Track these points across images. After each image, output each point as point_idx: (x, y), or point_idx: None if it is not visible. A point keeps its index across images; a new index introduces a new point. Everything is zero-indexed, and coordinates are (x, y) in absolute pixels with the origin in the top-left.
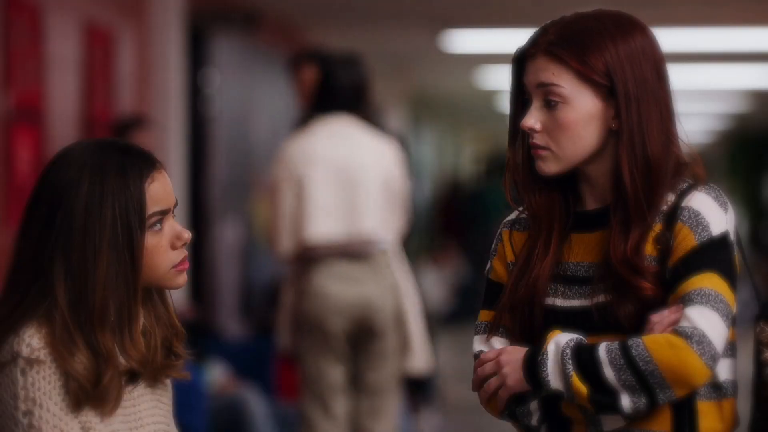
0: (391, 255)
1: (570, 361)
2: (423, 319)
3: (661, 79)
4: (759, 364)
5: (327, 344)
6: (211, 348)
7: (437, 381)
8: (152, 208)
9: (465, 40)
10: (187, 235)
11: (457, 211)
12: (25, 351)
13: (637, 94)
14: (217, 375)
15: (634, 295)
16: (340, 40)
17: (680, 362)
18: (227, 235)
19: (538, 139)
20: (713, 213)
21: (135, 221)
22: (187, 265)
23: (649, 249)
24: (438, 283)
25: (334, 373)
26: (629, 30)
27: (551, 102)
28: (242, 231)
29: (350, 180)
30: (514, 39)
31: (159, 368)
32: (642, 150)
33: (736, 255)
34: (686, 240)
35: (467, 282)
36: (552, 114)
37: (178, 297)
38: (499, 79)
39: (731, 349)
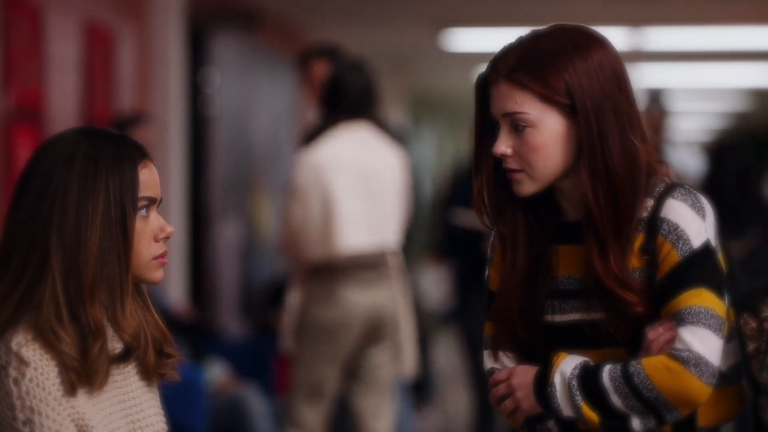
0: (394, 257)
1: (578, 393)
2: (413, 323)
3: (623, 90)
4: (744, 356)
5: (338, 351)
6: (210, 347)
7: (437, 380)
8: (143, 192)
9: (465, 39)
10: (170, 229)
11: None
12: (13, 359)
13: (596, 110)
14: (216, 374)
15: (624, 311)
16: (339, 38)
17: (681, 387)
18: (227, 235)
19: (511, 164)
20: (691, 223)
21: (128, 199)
22: (166, 260)
23: (634, 261)
24: (438, 281)
25: (335, 379)
26: (586, 46)
27: (519, 127)
28: (242, 230)
29: (374, 190)
30: (513, 38)
31: (151, 368)
32: (604, 165)
33: (719, 256)
34: (669, 256)
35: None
36: (521, 138)
37: (176, 295)
38: None
39: (731, 332)
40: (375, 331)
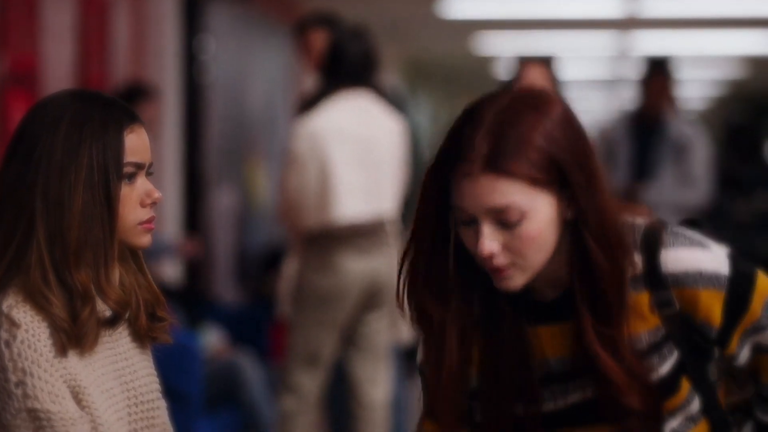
0: (392, 226)
1: None
2: None
3: (586, 137)
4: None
5: (335, 318)
6: (206, 313)
7: None
8: (129, 157)
9: (461, 6)
10: (158, 194)
11: None
12: (4, 321)
13: (582, 169)
14: (211, 340)
15: (619, 387)
16: (335, 6)
17: None
18: (222, 202)
19: (500, 260)
20: (704, 258)
21: (112, 165)
22: (153, 225)
23: (641, 325)
24: None
25: (332, 346)
26: (545, 106)
27: (508, 222)
28: (238, 198)
29: (372, 159)
30: (510, 5)
31: (143, 331)
32: (602, 224)
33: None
34: (711, 298)
35: None
36: (512, 232)
37: (170, 266)
38: (496, 46)
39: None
40: (372, 299)
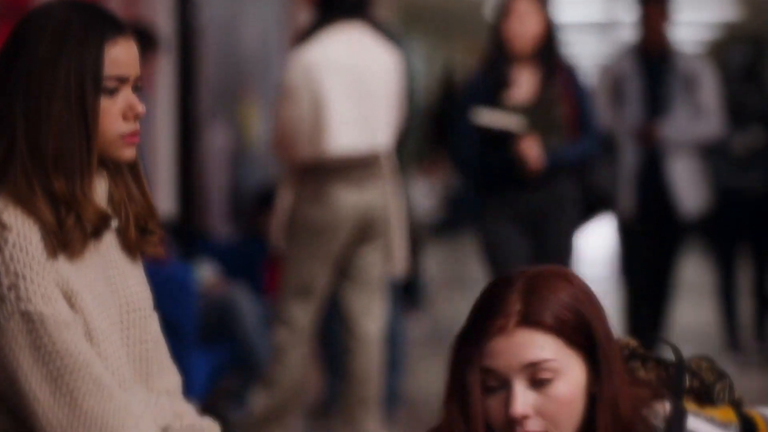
0: (387, 159)
1: None
2: (406, 225)
3: (606, 315)
4: None
5: (328, 250)
6: (199, 248)
7: (427, 288)
8: (111, 70)
9: None
10: (141, 108)
11: (448, 121)
12: None
13: (608, 340)
14: (205, 274)
15: None
16: None
17: None
18: (216, 142)
19: (532, 426)
20: None
21: (89, 77)
22: (137, 139)
23: None
24: (428, 194)
25: (325, 278)
26: (571, 277)
27: (542, 381)
28: (231, 138)
29: (366, 90)
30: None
31: (133, 243)
32: (618, 403)
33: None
34: None
35: (456, 193)
36: (544, 392)
37: (165, 201)
38: None
39: None
40: (366, 231)
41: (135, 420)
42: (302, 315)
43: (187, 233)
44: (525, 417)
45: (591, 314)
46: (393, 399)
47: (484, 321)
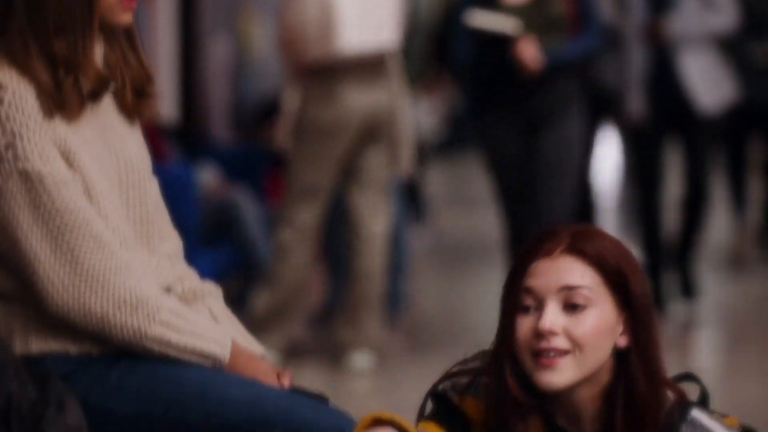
0: (393, 60)
1: None
2: (411, 126)
3: (653, 314)
4: None
5: (334, 151)
6: (201, 152)
7: (430, 204)
8: None
9: None
10: None
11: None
12: None
13: (644, 303)
14: (208, 178)
15: None
16: None
17: None
18: (218, 53)
19: (558, 342)
20: None
21: None
22: (135, 4)
23: None
24: (431, 112)
25: (331, 179)
26: (623, 246)
27: (576, 306)
28: (233, 49)
29: None
30: None
31: (129, 107)
32: (653, 360)
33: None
34: None
35: (459, 112)
36: (575, 317)
37: (167, 109)
38: None
39: None
40: (372, 131)
41: (137, 279)
42: (307, 216)
43: (189, 137)
44: (552, 332)
45: (630, 269)
46: (396, 302)
47: (533, 249)
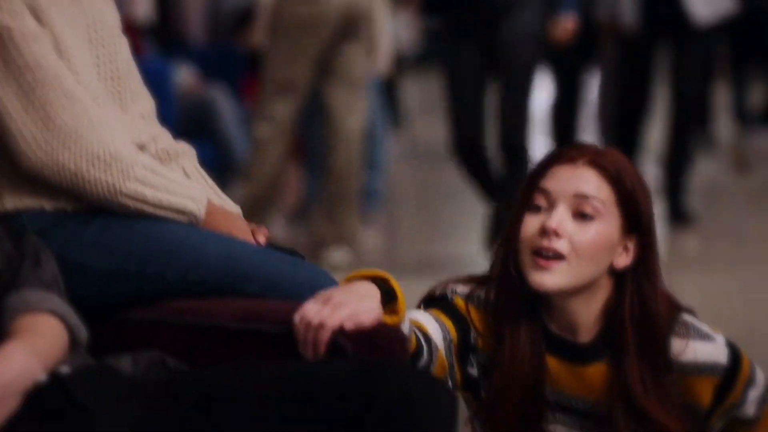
0: None
1: None
2: (388, 27)
3: (656, 235)
4: None
5: (312, 46)
6: (178, 51)
7: (406, 113)
8: None
9: None
10: None
11: None
12: None
13: (650, 228)
14: (184, 76)
15: None
16: None
17: None
18: None
19: (559, 245)
20: (708, 351)
21: None
22: None
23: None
24: (407, 25)
25: (308, 75)
26: (641, 175)
27: (585, 215)
28: None
29: None
30: None
31: None
32: (658, 278)
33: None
34: (707, 385)
35: (436, 25)
36: (581, 227)
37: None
38: None
39: None
40: (349, 28)
41: (110, 135)
42: (283, 111)
43: (166, 37)
44: (557, 232)
45: (643, 195)
46: (372, 198)
47: (557, 154)
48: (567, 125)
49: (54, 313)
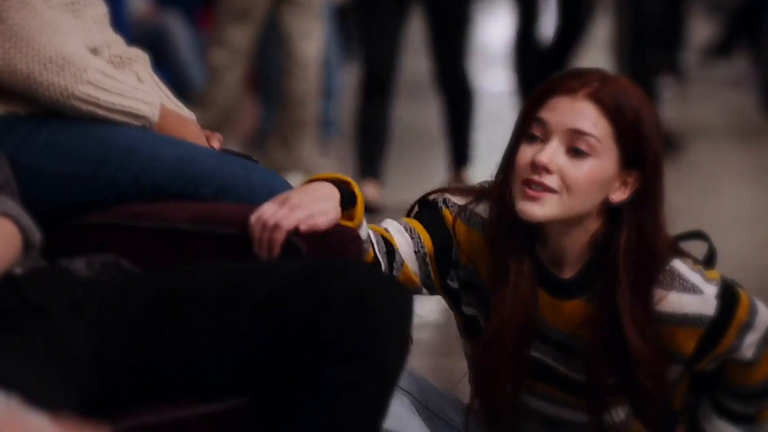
0: None
1: None
2: None
3: (663, 169)
4: None
5: None
6: None
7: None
8: None
9: None
10: None
11: None
12: None
13: (656, 162)
14: (138, 3)
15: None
16: None
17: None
18: None
19: (548, 180)
20: (693, 303)
21: None
22: None
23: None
24: None
25: (263, 1)
26: (650, 104)
27: (579, 151)
28: None
29: None
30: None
31: None
32: (659, 215)
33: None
34: (690, 336)
35: None
36: (574, 161)
37: None
38: None
39: None
40: None
41: (63, 38)
42: (240, 37)
43: None
44: (547, 168)
45: (648, 128)
46: (328, 126)
47: (558, 82)
48: (529, 57)
49: (6, 214)
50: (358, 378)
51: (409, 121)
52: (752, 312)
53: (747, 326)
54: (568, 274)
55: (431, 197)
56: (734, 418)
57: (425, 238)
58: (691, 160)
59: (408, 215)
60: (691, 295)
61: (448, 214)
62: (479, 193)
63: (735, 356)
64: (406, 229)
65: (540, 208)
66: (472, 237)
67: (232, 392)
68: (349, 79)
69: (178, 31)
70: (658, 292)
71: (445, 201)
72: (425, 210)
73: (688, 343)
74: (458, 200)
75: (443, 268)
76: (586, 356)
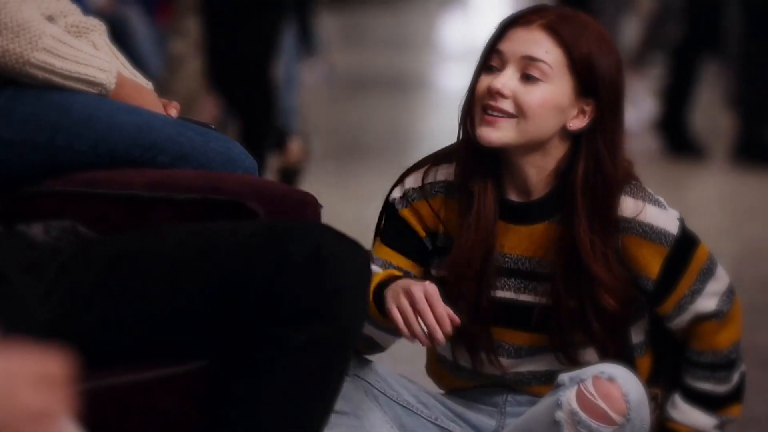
0: None
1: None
2: None
3: (621, 99)
4: None
5: None
6: None
7: (321, 41)
8: None
9: None
10: None
11: None
12: None
13: (613, 92)
14: None
15: (599, 296)
16: None
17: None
18: None
19: (504, 105)
20: (659, 216)
21: None
22: None
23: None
24: None
25: None
26: (609, 40)
27: (531, 77)
28: None
29: None
30: None
31: None
32: (616, 143)
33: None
34: (654, 254)
35: None
36: (527, 88)
37: None
38: None
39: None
40: None
41: (17, 4)
42: (198, 26)
43: None
44: (501, 93)
45: (603, 60)
46: (289, 116)
47: (517, 17)
48: None
49: None
50: (317, 338)
51: (349, 108)
52: (712, 260)
53: (708, 271)
54: (534, 197)
55: (390, 198)
56: (702, 401)
57: (404, 263)
58: None
59: (377, 229)
60: (657, 208)
61: (407, 214)
62: (432, 161)
63: (699, 307)
64: (383, 267)
65: (496, 132)
66: (437, 205)
67: (191, 354)
68: (309, 78)
69: (137, 22)
70: (629, 202)
71: (404, 196)
72: (389, 225)
73: (653, 264)
74: (414, 181)
75: (430, 265)
76: (551, 278)
